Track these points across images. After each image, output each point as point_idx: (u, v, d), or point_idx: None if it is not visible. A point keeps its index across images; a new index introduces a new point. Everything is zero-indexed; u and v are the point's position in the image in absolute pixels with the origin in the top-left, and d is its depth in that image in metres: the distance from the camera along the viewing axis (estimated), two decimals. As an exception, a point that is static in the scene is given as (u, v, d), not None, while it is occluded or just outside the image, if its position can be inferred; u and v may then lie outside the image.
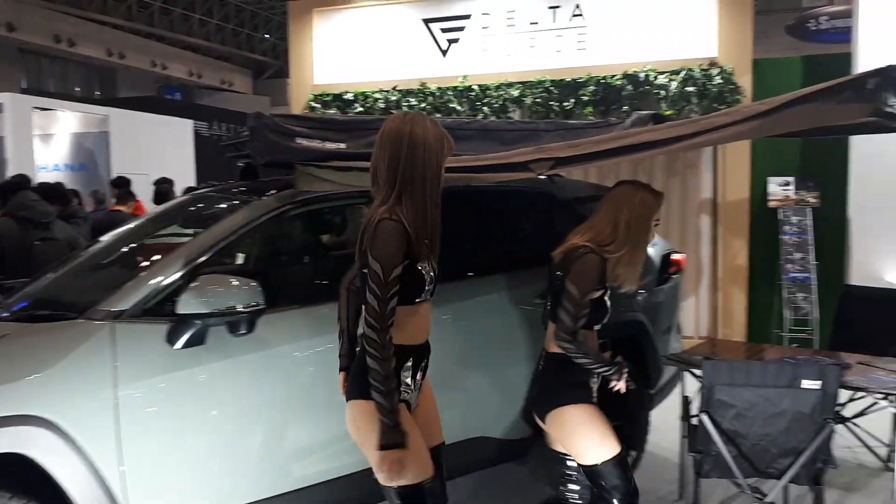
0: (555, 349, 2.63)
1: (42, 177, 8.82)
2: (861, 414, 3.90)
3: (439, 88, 7.23)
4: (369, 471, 2.89)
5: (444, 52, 7.34)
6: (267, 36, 21.52)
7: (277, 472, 2.74)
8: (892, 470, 3.60)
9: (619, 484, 2.53)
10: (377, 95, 7.40)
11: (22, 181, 5.55)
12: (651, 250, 4.10)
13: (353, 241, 3.57)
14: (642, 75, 6.61)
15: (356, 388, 2.19)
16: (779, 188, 6.52)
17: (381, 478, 2.16)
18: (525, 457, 3.52)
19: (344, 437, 2.84)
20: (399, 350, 2.14)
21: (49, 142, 10.73)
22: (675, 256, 4.21)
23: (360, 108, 7.40)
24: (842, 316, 4.38)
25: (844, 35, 8.20)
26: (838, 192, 6.22)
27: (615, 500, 2.56)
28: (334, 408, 2.82)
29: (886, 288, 4.68)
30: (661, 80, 6.58)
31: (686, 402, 3.47)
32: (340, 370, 2.50)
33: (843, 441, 4.33)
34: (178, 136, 11.40)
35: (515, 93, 6.96)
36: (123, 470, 2.40)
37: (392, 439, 2.06)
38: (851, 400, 3.88)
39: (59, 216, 5.34)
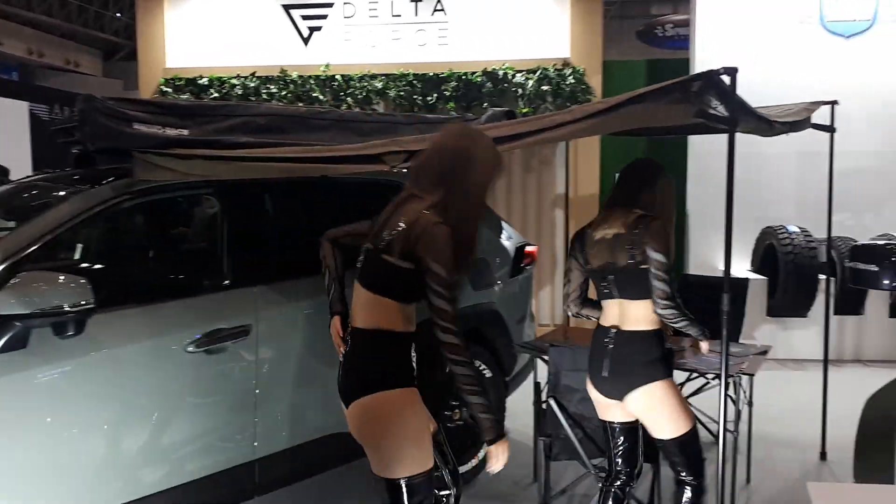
0: (635, 326, 2.58)
1: None
2: (695, 393, 4.22)
3: (301, 77, 7.05)
4: (219, 474, 2.81)
5: (306, 40, 7.17)
6: (119, 15, 20.05)
7: (117, 480, 2.56)
8: (724, 442, 3.92)
9: (695, 455, 2.60)
10: (234, 81, 7.10)
11: None
12: (507, 243, 4.23)
13: (196, 234, 3.43)
14: (501, 73, 6.79)
15: (379, 379, 2.17)
16: (627, 184, 6.94)
17: (397, 470, 2.12)
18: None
19: (188, 442, 2.73)
20: (405, 338, 2.22)
21: None
22: (528, 248, 4.35)
23: (216, 94, 7.07)
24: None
25: (686, 42, 8.85)
26: (679, 188, 6.71)
27: (686, 474, 2.61)
28: (175, 412, 2.69)
29: (719, 276, 5.09)
30: (519, 78, 6.78)
31: (538, 387, 3.61)
32: (334, 315, 2.50)
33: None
34: (11, 119, 10.38)
35: (379, 85, 6.93)
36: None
37: (499, 432, 2.14)
38: (689, 380, 4.19)
39: None
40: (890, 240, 3.01)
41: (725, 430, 2.67)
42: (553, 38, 6.85)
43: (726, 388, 2.60)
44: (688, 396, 4.20)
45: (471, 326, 3.83)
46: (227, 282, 2.96)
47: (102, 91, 4.19)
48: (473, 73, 6.83)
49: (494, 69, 6.80)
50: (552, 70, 6.76)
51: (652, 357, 2.57)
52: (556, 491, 3.32)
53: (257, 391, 2.92)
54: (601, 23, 6.99)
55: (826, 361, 4.25)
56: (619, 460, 2.73)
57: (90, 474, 2.51)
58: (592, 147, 6.92)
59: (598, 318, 2.79)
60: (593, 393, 2.72)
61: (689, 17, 6.88)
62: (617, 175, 2.86)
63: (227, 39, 7.25)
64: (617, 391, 2.62)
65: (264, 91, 7.04)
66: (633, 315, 2.60)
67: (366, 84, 6.94)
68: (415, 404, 2.19)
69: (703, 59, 6.38)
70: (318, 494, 3.68)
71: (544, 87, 6.77)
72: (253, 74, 7.10)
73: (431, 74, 6.90)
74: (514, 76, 6.79)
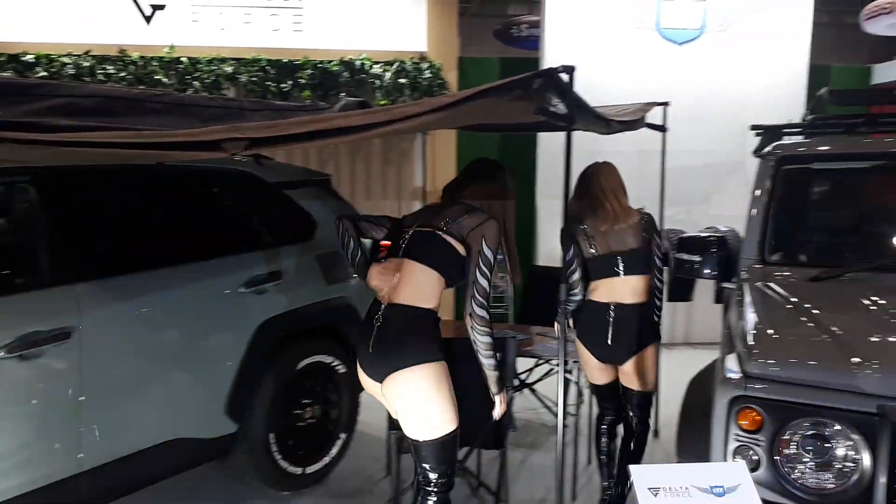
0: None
1: None
2: (541, 379, 4.40)
3: (142, 58, 6.58)
4: (37, 491, 2.55)
5: (148, 19, 6.69)
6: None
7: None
8: (565, 426, 4.11)
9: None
10: (66, 60, 6.50)
11: None
12: (363, 235, 4.18)
13: (10, 226, 3.07)
14: (358, 63, 6.70)
15: (424, 351, 2.47)
16: (482, 178, 7.10)
17: (438, 429, 2.47)
18: (227, 454, 3.37)
19: (3, 458, 2.46)
20: (438, 317, 2.59)
21: None
22: (383, 241, 4.32)
23: (44, 74, 6.44)
24: (527, 293, 4.90)
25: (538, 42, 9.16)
26: (529, 183, 6.97)
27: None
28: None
29: (557, 267, 5.33)
30: (377, 69, 6.73)
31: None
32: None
33: (528, 405, 4.86)
34: None
35: (229, 69, 6.61)
36: None
37: (501, 387, 2.65)
38: (537, 366, 4.36)
39: None
40: (714, 233, 3.29)
41: (566, 413, 2.79)
42: (410, 31, 6.85)
43: (564, 373, 2.72)
44: (533, 383, 4.39)
45: (324, 321, 3.76)
46: (45, 279, 2.68)
47: None
48: (330, 61, 6.69)
49: (352, 59, 6.70)
50: (409, 63, 6.76)
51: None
52: (408, 484, 3.33)
53: (82, 398, 2.68)
54: (456, 19, 7.09)
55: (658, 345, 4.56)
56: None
57: None
58: (449, 141, 7.01)
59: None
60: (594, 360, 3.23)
61: (540, 18, 7.13)
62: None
63: (56, 12, 6.62)
64: (625, 356, 3.22)
65: (100, 72, 6.50)
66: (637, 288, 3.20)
67: (214, 68, 6.60)
68: (448, 373, 2.52)
69: (552, 59, 6.64)
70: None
71: (402, 80, 6.76)
72: (87, 53, 6.53)
73: (286, 61, 6.69)
74: (371, 67, 6.73)
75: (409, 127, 2.67)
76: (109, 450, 2.81)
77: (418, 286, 2.53)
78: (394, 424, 3.03)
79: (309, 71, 6.68)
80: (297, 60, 6.67)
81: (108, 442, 2.80)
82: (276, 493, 3.56)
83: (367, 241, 2.92)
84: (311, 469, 3.64)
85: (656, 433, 4.44)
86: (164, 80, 6.57)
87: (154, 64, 6.57)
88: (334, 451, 3.76)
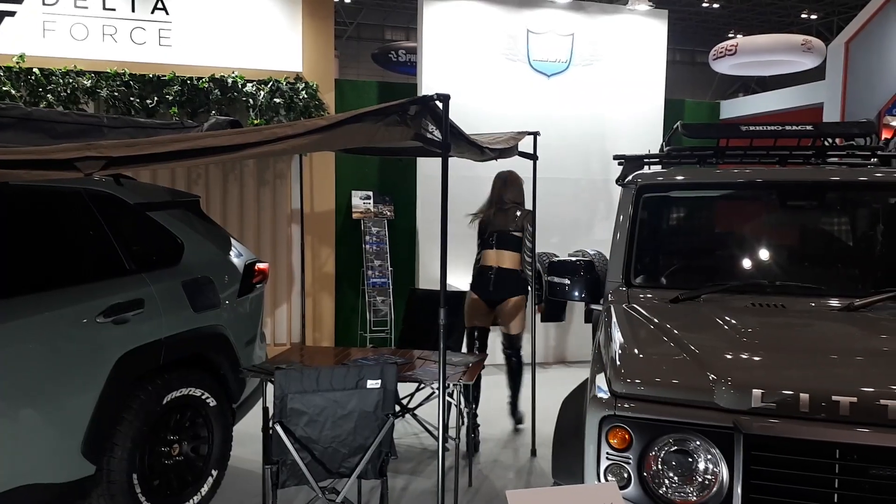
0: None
1: None
2: (423, 403, 4.38)
3: (-11, 66, 6.03)
4: None
5: (-6, 25, 6.16)
6: None
7: None
8: (446, 450, 4.12)
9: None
10: None
11: None
12: (235, 260, 4.01)
13: None
14: (230, 81, 6.49)
15: (518, 289, 4.74)
16: (360, 201, 7.06)
17: (521, 327, 4.80)
18: (84, 498, 3.09)
19: None
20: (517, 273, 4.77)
21: None
22: (259, 265, 4.18)
23: None
24: (408, 316, 4.89)
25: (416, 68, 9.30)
26: (410, 206, 7.01)
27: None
28: None
29: (436, 290, 5.37)
30: (250, 87, 6.55)
31: (266, 413, 3.45)
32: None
33: (411, 429, 4.83)
34: None
35: (88, 83, 6.19)
36: None
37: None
38: (418, 390, 4.34)
39: None
40: (582, 257, 3.44)
41: (447, 437, 2.79)
42: (285, 51, 6.72)
43: (445, 397, 2.71)
44: (416, 407, 4.37)
45: (193, 351, 3.56)
46: None
47: None
48: (200, 78, 6.42)
49: (223, 76, 6.47)
50: (284, 83, 6.63)
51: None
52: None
53: None
54: (332, 41, 7.04)
55: (534, 364, 4.70)
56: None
57: None
58: (327, 162, 6.92)
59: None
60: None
61: (417, 45, 7.24)
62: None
63: None
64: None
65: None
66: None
67: (71, 81, 6.16)
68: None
69: (430, 85, 6.75)
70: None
71: (277, 100, 6.61)
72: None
73: (151, 76, 6.36)
74: (244, 85, 6.53)
75: (282, 149, 2.61)
76: None
77: (508, 260, 4.71)
78: (269, 459, 2.91)
79: (176, 87, 6.38)
80: (164, 76, 6.36)
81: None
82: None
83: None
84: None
85: (534, 452, 4.54)
86: (12, 91, 6.06)
87: (1, 75, 6.05)
88: (205, 489, 3.55)
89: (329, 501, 2.99)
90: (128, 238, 3.47)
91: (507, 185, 4.82)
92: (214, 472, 3.61)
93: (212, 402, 3.60)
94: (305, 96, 6.66)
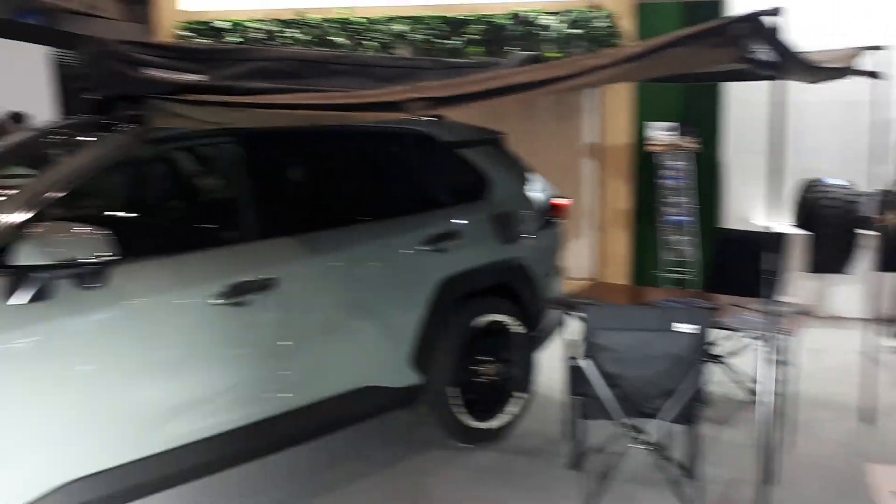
0: None
1: None
2: (733, 353, 4.10)
3: (325, 20, 6.81)
4: (245, 427, 2.75)
5: (327, -18, 6.90)
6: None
7: (147, 433, 2.55)
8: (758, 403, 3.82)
9: None
10: (253, 25, 6.89)
11: None
12: (537, 195, 4.08)
13: (220, 183, 3.32)
14: (529, 15, 6.49)
15: None
16: (659, 133, 6.67)
17: None
18: (412, 405, 3.48)
19: (216, 395, 2.69)
20: None
21: None
22: (557, 201, 4.21)
23: (233, 39, 6.88)
24: (716, 258, 4.55)
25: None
26: (711, 137, 6.46)
27: None
28: (198, 364, 2.65)
29: (755, 231, 4.90)
30: (547, 20, 6.49)
31: (568, 344, 3.51)
32: None
33: (716, 378, 4.57)
34: (32, 65, 10.25)
35: (402, 28, 6.68)
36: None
37: None
38: (728, 339, 4.06)
39: None
40: None
41: (767, 391, 2.56)
42: (582, -23, 6.52)
43: (768, 349, 2.48)
44: (724, 356, 4.10)
45: (499, 281, 3.74)
46: (250, 233, 2.88)
47: (120, 35, 4.02)
48: (500, 15, 6.54)
49: (522, 11, 6.50)
50: (581, 12, 6.45)
51: None
52: (588, 448, 3.26)
53: (282, 344, 2.86)
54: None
55: (870, 320, 4.10)
56: None
57: (117, 425, 2.49)
58: (623, 93, 6.65)
59: None
60: None
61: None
62: None
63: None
64: None
65: (283, 35, 6.83)
66: None
67: (387, 27, 6.70)
68: None
69: (738, 2, 6.03)
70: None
71: (573, 31, 6.47)
72: (271, 18, 6.88)
73: (456, 17, 6.63)
74: (537, 18, 6.49)
75: (591, 81, 2.51)
76: (311, 392, 2.99)
77: None
78: (574, 391, 2.97)
79: (479, 26, 6.58)
80: (468, 16, 6.59)
81: (309, 385, 2.99)
82: (456, 444, 3.64)
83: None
84: (490, 425, 3.69)
85: (867, 418, 4.00)
86: (340, 40, 6.77)
87: (331, 25, 6.79)
88: (513, 409, 3.78)
89: (632, 439, 2.97)
90: (442, 174, 3.72)
91: None
92: (521, 395, 3.81)
93: (516, 330, 3.77)
94: (603, 24, 6.42)
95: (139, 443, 2.54)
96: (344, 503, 3.20)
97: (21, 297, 2.24)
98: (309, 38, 6.79)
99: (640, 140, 6.74)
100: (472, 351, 3.63)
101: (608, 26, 6.42)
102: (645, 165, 6.75)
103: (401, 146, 3.63)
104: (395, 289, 3.30)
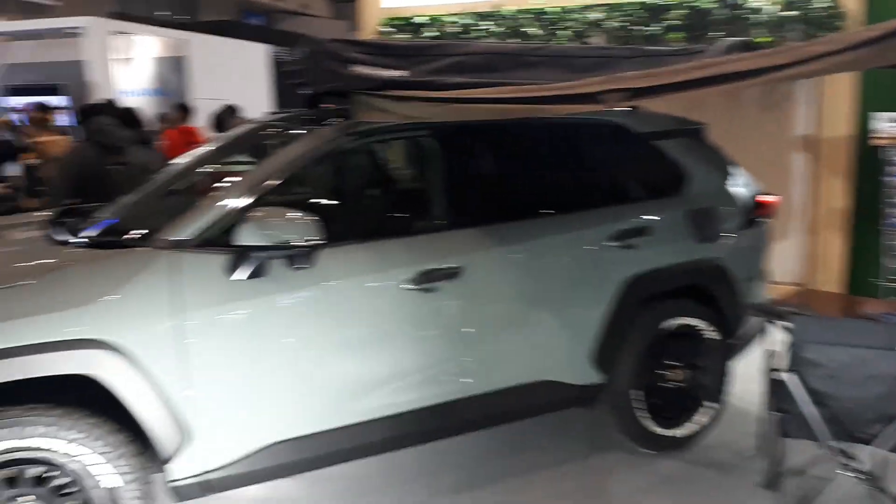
0: None
1: (126, 102, 8.99)
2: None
3: (518, 10, 6.84)
4: (428, 408, 2.86)
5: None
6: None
7: (339, 404, 2.74)
8: None
9: None
10: (450, 19, 7.09)
11: (99, 107, 5.64)
12: (740, 191, 3.80)
13: (414, 175, 3.46)
14: (735, -3, 6.04)
15: None
16: (887, 125, 5.92)
17: None
18: (593, 404, 3.42)
19: (403, 374, 2.82)
20: None
21: (131, 66, 10.92)
22: (763, 198, 3.88)
23: (431, 34, 7.12)
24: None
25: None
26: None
27: None
28: (390, 345, 2.79)
29: None
30: (759, 2, 5.99)
31: (769, 355, 3.24)
32: None
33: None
34: (254, 62, 11.38)
35: (596, 16, 6.52)
36: (190, 394, 2.44)
37: None
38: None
39: (136, 140, 5.42)
40: None
41: None
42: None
43: None
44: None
45: (693, 282, 3.55)
46: (441, 223, 2.98)
47: (329, 33, 4.32)
48: (702, -2, 6.15)
49: (727, -6, 6.07)
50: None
51: None
52: (787, 469, 3.00)
53: (466, 331, 2.94)
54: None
55: None
56: None
57: (315, 395, 2.70)
58: (843, 80, 5.97)
59: None
60: None
61: None
62: None
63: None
64: None
65: (478, 28, 6.96)
66: None
67: (582, 16, 6.56)
68: None
69: None
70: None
71: (788, 13, 5.92)
72: (467, 11, 7.03)
73: (656, 2, 6.34)
74: (747, 1, 6.01)
75: (817, 69, 2.28)
76: (489, 381, 3.05)
77: None
78: (775, 406, 2.73)
79: (680, 11, 6.23)
80: (667, 0, 6.27)
81: (488, 373, 3.04)
82: (637, 449, 3.52)
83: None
84: (675, 433, 3.53)
85: None
86: (533, 31, 6.76)
87: (526, 16, 6.79)
88: (702, 418, 3.58)
89: (840, 465, 2.68)
90: (634, 167, 3.58)
91: None
92: (711, 405, 3.59)
93: (710, 335, 3.55)
94: (825, 5, 5.81)
95: (333, 413, 2.74)
96: (515, 494, 3.22)
97: (241, 274, 2.50)
98: (502, 30, 6.85)
99: (864, 132, 6.01)
100: (660, 354, 3.48)
101: (829, 7, 5.80)
102: (868, 161, 6.01)
103: (592, 137, 3.55)
104: (579, 284, 3.25)
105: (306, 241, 2.48)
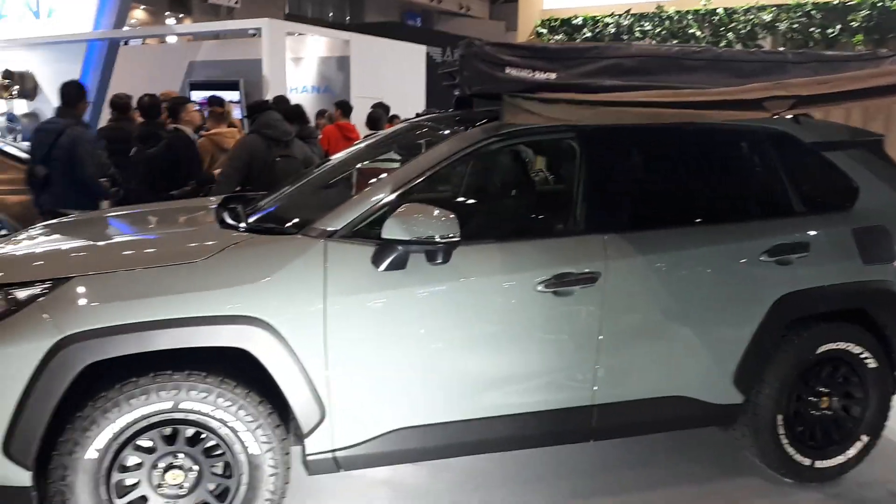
0: None
1: (292, 98, 9.65)
2: None
3: (678, 12, 6.60)
4: (556, 411, 2.86)
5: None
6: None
7: (465, 398, 2.80)
8: None
9: None
10: (608, 20, 6.96)
11: (268, 102, 6.10)
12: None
13: (555, 178, 3.44)
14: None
15: None
16: None
17: None
18: (730, 424, 3.25)
19: (530, 376, 2.83)
20: None
21: (300, 65, 11.69)
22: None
23: (588, 34, 7.03)
24: None
25: None
26: None
27: None
28: (521, 345, 2.82)
29: None
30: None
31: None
32: None
33: None
34: (411, 62, 11.78)
35: (767, 17, 6.14)
36: (329, 375, 2.60)
37: None
38: None
39: (299, 135, 5.82)
40: None
41: None
42: None
43: None
44: None
45: (855, 305, 3.27)
46: (579, 227, 2.95)
47: (485, 34, 4.40)
48: (894, -2, 5.61)
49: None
50: None
51: None
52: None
53: (600, 338, 2.90)
54: None
55: None
56: None
57: (442, 387, 2.78)
58: None
59: None
60: None
61: None
62: None
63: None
64: None
65: (638, 29, 6.78)
66: None
67: (751, 17, 6.21)
68: None
69: None
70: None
71: None
72: (627, 12, 6.88)
73: (836, 3, 5.87)
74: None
75: None
76: (619, 390, 2.99)
77: None
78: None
79: (864, 11, 5.73)
80: (850, 1, 5.78)
81: (619, 383, 2.98)
82: (774, 476, 3.31)
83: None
84: (821, 464, 3.27)
85: None
86: (697, 33, 6.49)
87: (689, 17, 6.54)
88: (851, 451, 3.29)
89: None
90: (799, 178, 3.34)
91: None
92: (865, 438, 3.30)
93: (871, 363, 3.26)
94: None
95: (459, 406, 2.80)
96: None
97: (385, 265, 2.62)
98: (663, 30, 6.64)
99: None
100: (811, 379, 3.23)
101: None
102: None
103: (752, 145, 3.35)
104: (728, 299, 3.08)
105: (445, 237, 2.55)
